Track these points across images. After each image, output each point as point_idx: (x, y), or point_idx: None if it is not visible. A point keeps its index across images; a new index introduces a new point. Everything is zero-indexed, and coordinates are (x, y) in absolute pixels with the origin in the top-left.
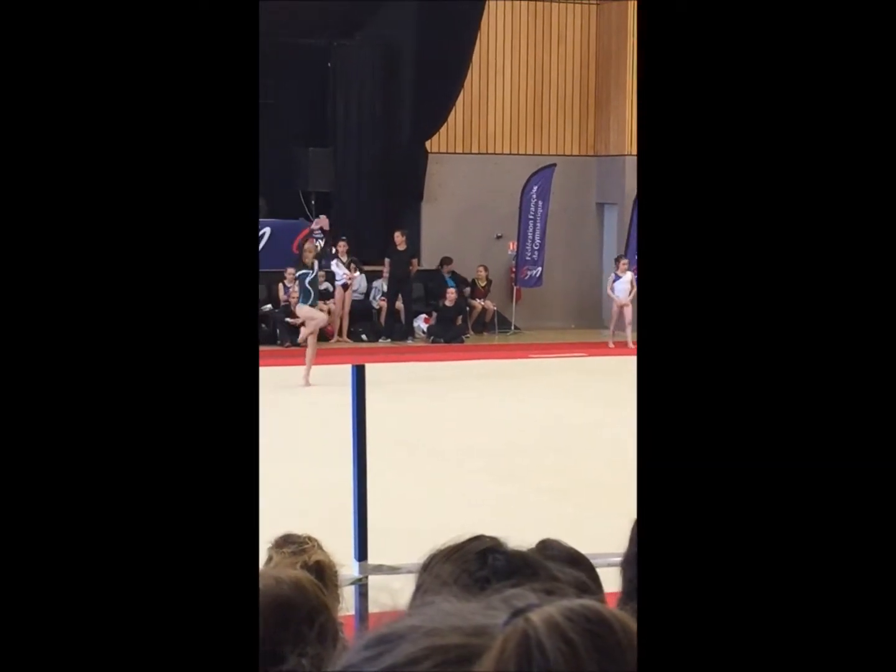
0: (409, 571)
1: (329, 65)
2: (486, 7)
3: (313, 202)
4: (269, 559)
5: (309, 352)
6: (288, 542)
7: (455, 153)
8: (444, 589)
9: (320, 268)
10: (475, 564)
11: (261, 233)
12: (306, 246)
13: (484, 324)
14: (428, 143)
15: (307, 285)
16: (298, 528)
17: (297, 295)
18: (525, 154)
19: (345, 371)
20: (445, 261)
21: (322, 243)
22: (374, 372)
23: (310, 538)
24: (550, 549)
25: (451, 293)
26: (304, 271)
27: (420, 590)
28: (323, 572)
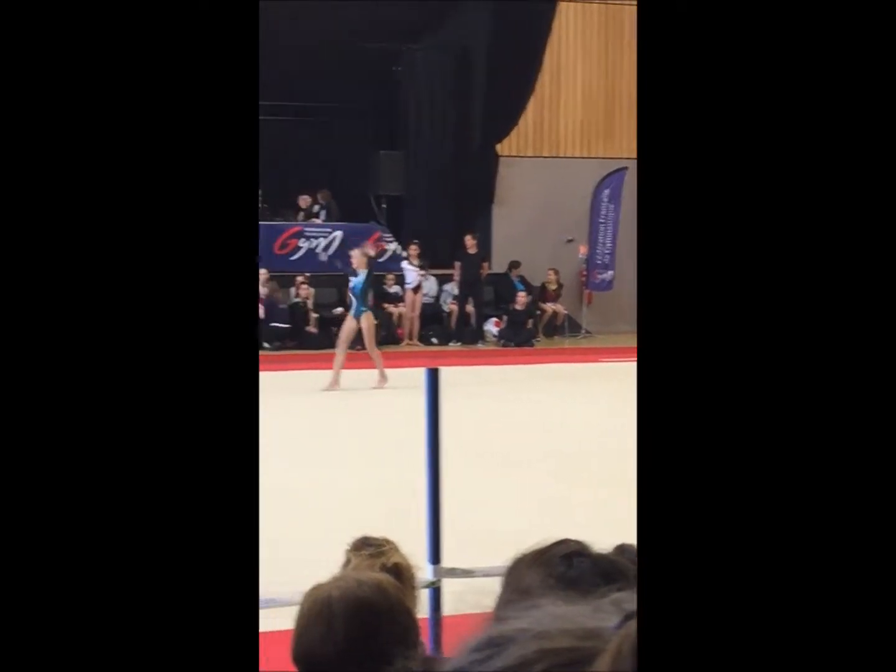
0: (484, 575)
1: (400, 68)
2: (558, 9)
3: (384, 206)
4: (348, 561)
5: (338, 359)
6: (366, 545)
7: (526, 156)
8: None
9: (388, 270)
10: (561, 568)
11: (332, 237)
12: (354, 253)
13: (554, 327)
14: (499, 146)
15: (351, 294)
16: (368, 532)
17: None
18: (596, 157)
19: (414, 374)
20: (514, 265)
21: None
22: (445, 375)
23: (387, 541)
24: (629, 553)
25: (522, 297)
26: (351, 278)
27: (506, 593)
28: (401, 575)
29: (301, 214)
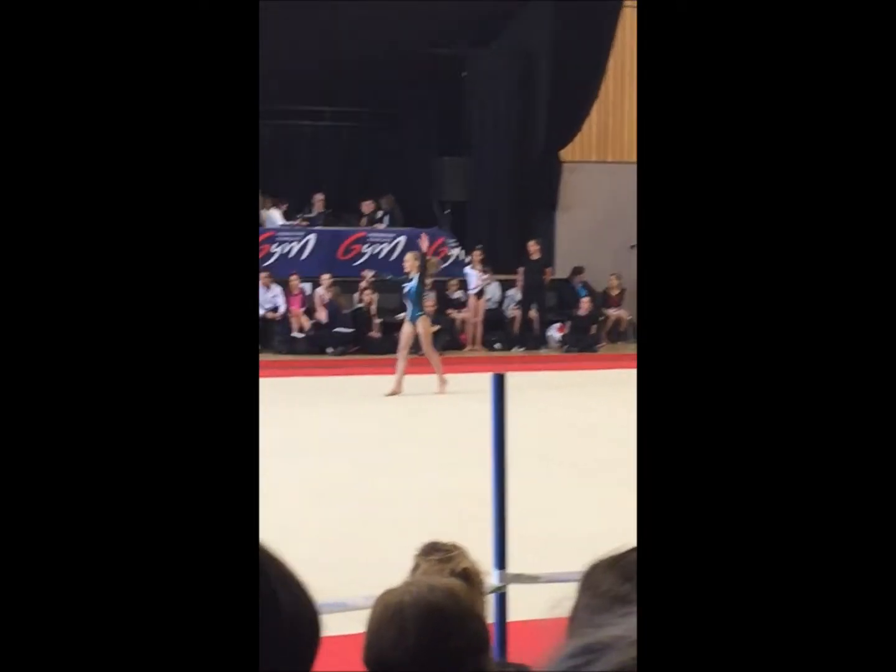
0: (549, 581)
1: (464, 74)
2: (622, 13)
3: (448, 211)
4: (416, 566)
5: (399, 364)
6: (434, 550)
7: (589, 162)
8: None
9: (451, 276)
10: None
11: (395, 242)
12: (407, 256)
13: (618, 333)
14: (562, 152)
15: (406, 299)
16: (435, 537)
17: (431, 304)
18: None
19: (477, 379)
20: (577, 270)
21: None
22: (508, 380)
23: (455, 546)
24: None
25: (585, 302)
26: (404, 284)
27: (584, 598)
28: (469, 580)
29: (364, 220)
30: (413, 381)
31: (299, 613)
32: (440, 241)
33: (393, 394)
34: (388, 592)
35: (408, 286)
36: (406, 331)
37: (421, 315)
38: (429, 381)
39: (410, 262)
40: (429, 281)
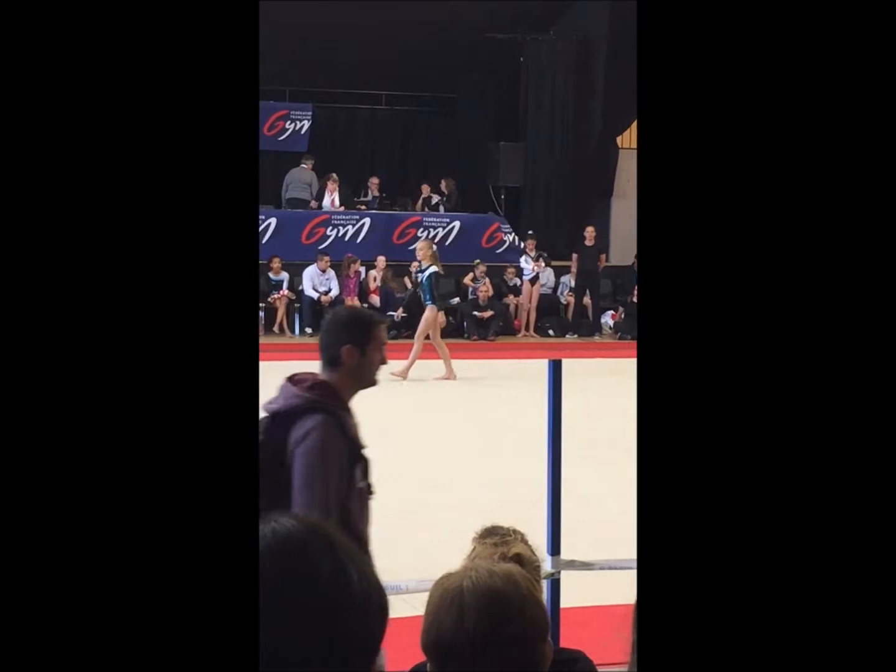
0: (602, 567)
1: (522, 59)
2: None
3: (503, 196)
4: (472, 549)
5: (414, 349)
6: (491, 534)
7: None
8: None
9: (505, 262)
10: None
11: (449, 227)
12: (420, 245)
13: None
14: (619, 139)
15: (421, 284)
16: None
17: (486, 289)
18: None
19: (530, 365)
20: None
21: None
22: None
23: (514, 531)
24: None
25: None
26: (418, 273)
27: None
28: (522, 565)
29: (420, 203)
30: (469, 367)
31: (369, 592)
32: (495, 226)
33: (401, 377)
34: (447, 577)
35: (421, 276)
36: (427, 316)
37: (430, 304)
38: (488, 366)
39: (424, 251)
40: (484, 266)
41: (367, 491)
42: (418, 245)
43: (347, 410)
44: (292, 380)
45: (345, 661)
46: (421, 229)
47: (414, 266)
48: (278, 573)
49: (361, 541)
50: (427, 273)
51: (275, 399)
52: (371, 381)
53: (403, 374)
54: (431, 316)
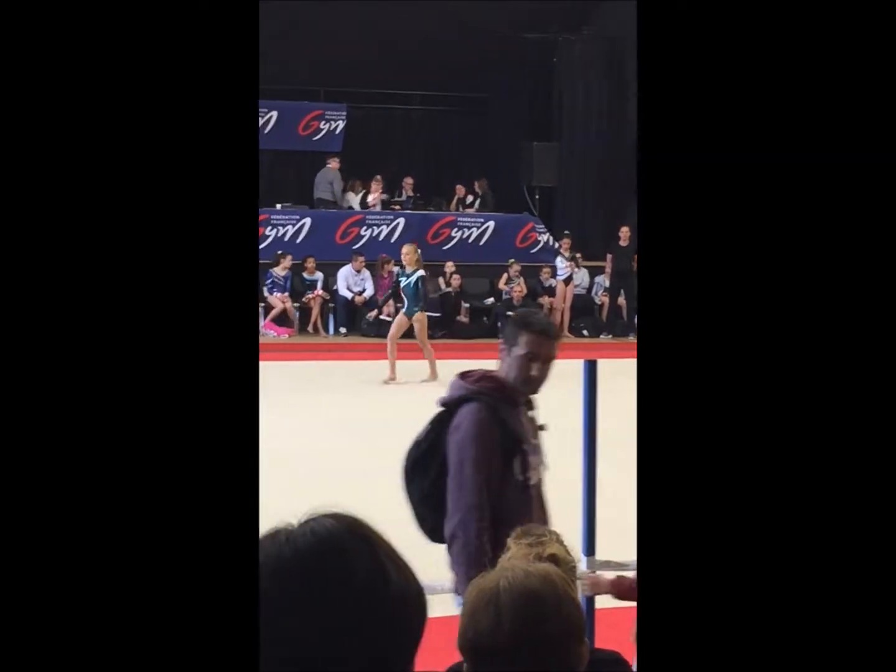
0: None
1: (555, 59)
2: None
3: (537, 196)
4: (508, 549)
5: (389, 348)
6: (526, 534)
7: None
8: None
9: (540, 262)
10: None
11: (483, 227)
12: (405, 249)
13: None
14: None
15: (402, 292)
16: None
17: (520, 289)
18: None
19: (564, 365)
20: None
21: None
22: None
23: (549, 531)
24: None
25: None
26: (401, 277)
27: None
28: (557, 566)
29: (454, 203)
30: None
31: (408, 592)
32: (529, 226)
33: (390, 380)
34: (483, 577)
35: (404, 281)
36: (398, 321)
37: (418, 310)
38: None
39: (410, 256)
40: (518, 266)
41: (529, 484)
42: (404, 249)
43: (512, 403)
44: (462, 374)
45: (384, 662)
46: (455, 229)
47: (387, 269)
48: (316, 573)
49: None
50: (414, 278)
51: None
52: (523, 383)
53: (433, 376)
54: (424, 322)
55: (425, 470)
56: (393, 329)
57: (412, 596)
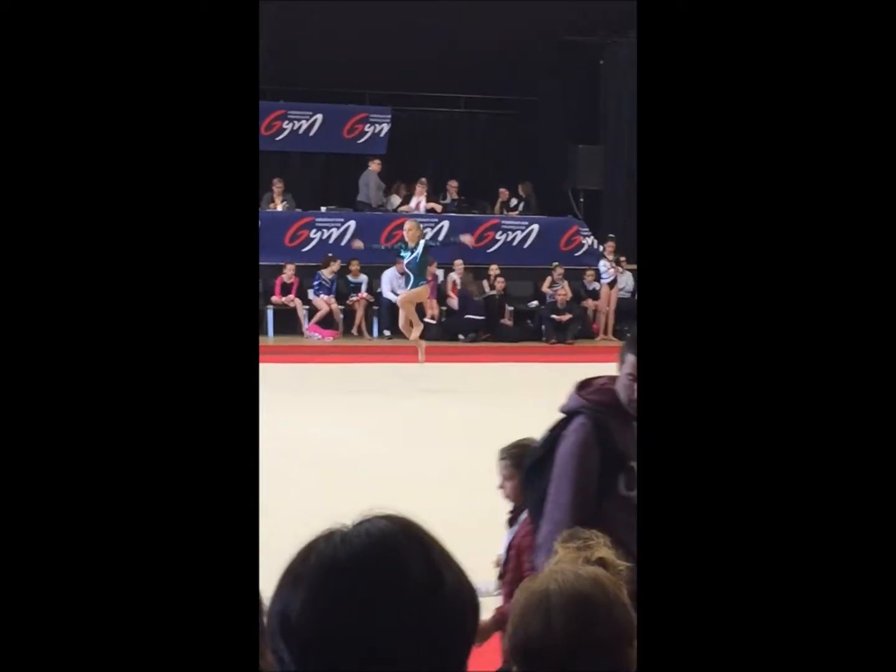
0: None
1: (601, 62)
2: None
3: (582, 199)
4: (555, 553)
5: (414, 332)
6: (574, 538)
7: None
8: None
9: (584, 265)
10: None
11: (528, 230)
12: (407, 225)
13: None
14: None
15: (406, 268)
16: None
17: (564, 292)
18: None
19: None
20: None
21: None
22: None
23: (597, 535)
24: None
25: None
26: (404, 253)
27: None
28: (606, 569)
29: (498, 206)
30: (548, 371)
31: (461, 593)
32: (573, 229)
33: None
34: (533, 580)
35: (409, 256)
36: (419, 291)
37: (424, 283)
38: (563, 370)
39: (413, 232)
40: (562, 270)
41: (634, 501)
42: (406, 225)
43: (622, 418)
44: (582, 383)
45: (438, 663)
46: (499, 232)
47: (430, 272)
48: (371, 573)
49: (625, 549)
50: (419, 252)
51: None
52: (628, 403)
53: (421, 352)
54: (425, 292)
55: (540, 474)
56: (404, 308)
57: (466, 597)
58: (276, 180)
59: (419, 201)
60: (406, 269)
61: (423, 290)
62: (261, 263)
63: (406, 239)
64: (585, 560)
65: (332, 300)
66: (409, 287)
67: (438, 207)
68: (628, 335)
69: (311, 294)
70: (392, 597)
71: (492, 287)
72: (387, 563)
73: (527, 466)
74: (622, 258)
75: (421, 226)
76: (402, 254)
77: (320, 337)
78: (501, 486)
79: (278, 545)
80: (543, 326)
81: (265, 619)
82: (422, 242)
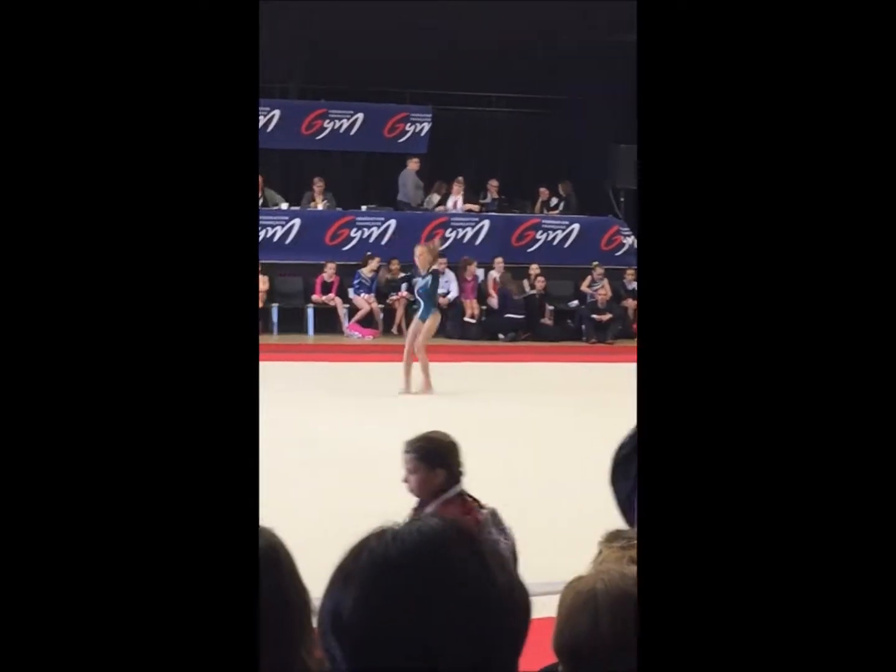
0: None
1: None
2: None
3: (622, 199)
4: (599, 553)
5: (421, 360)
6: (617, 537)
7: None
8: None
9: (626, 265)
10: None
11: (568, 229)
12: (418, 251)
13: None
14: None
15: (417, 295)
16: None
17: (605, 292)
18: None
19: None
20: None
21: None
22: None
23: None
24: None
25: None
26: (416, 279)
27: None
28: None
29: (538, 206)
30: (589, 371)
31: (513, 592)
32: (614, 229)
33: (425, 392)
34: (579, 579)
35: (420, 283)
36: (415, 328)
37: (434, 312)
38: (618, 370)
39: (423, 258)
40: (602, 269)
41: None
42: (417, 251)
43: None
44: None
45: (490, 661)
46: (540, 231)
47: (470, 271)
48: (424, 571)
49: None
50: (427, 279)
51: None
52: None
53: (426, 388)
54: (434, 325)
55: (625, 473)
56: (410, 337)
57: (517, 596)
58: (316, 179)
59: (455, 200)
60: (417, 296)
61: (436, 321)
62: (301, 262)
63: (417, 265)
64: (630, 559)
65: (373, 299)
66: (420, 315)
67: (476, 207)
68: None
69: (351, 293)
70: (444, 595)
71: (532, 286)
72: (439, 561)
73: (616, 460)
74: None
75: (435, 251)
76: (414, 279)
77: (360, 336)
78: (406, 480)
79: (335, 540)
80: (583, 326)
81: (315, 618)
82: (432, 270)
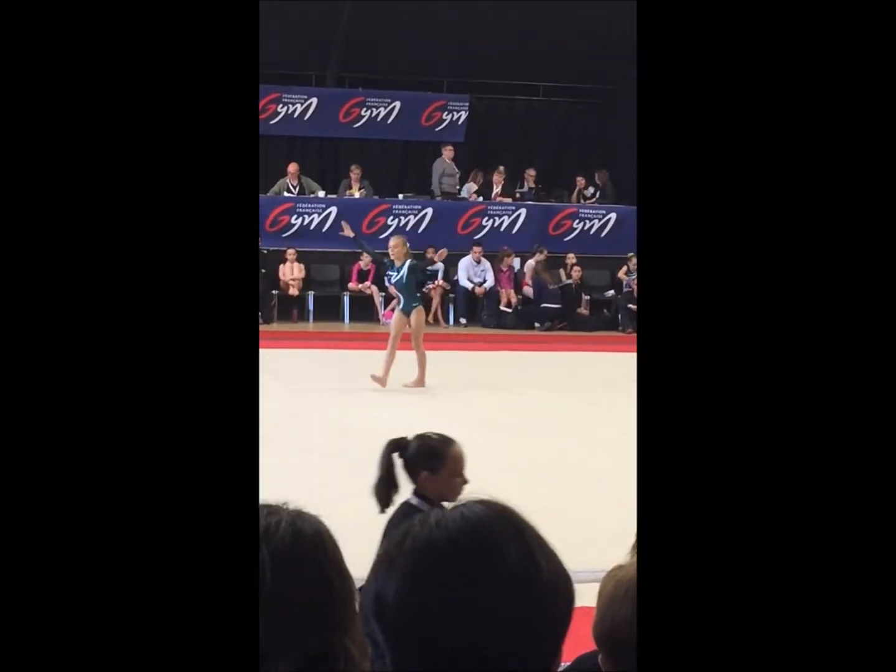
0: None
1: None
2: None
3: None
4: (635, 545)
5: (418, 356)
6: None
7: None
8: None
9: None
10: None
11: (605, 219)
12: (392, 242)
13: None
14: None
15: (395, 288)
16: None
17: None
18: None
19: None
20: None
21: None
22: None
23: None
24: None
25: None
26: (390, 272)
27: None
28: None
29: (575, 195)
30: (626, 361)
31: (557, 579)
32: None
33: (379, 382)
34: (619, 568)
35: (395, 276)
36: (397, 319)
37: (417, 306)
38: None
39: (397, 250)
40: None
41: None
42: (391, 242)
43: None
44: None
45: (533, 646)
46: (577, 221)
47: (507, 262)
48: (468, 556)
49: None
50: (405, 271)
51: None
52: None
53: (420, 382)
54: (422, 320)
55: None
56: (393, 330)
57: (561, 583)
58: (353, 167)
59: (496, 190)
60: (396, 292)
61: (421, 316)
62: (337, 250)
63: (392, 256)
64: None
65: None
66: (402, 308)
67: (508, 199)
68: None
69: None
70: (487, 581)
71: (568, 276)
72: (482, 548)
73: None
74: None
75: (407, 244)
76: (389, 272)
77: None
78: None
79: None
80: (620, 315)
81: (357, 604)
82: (408, 262)
